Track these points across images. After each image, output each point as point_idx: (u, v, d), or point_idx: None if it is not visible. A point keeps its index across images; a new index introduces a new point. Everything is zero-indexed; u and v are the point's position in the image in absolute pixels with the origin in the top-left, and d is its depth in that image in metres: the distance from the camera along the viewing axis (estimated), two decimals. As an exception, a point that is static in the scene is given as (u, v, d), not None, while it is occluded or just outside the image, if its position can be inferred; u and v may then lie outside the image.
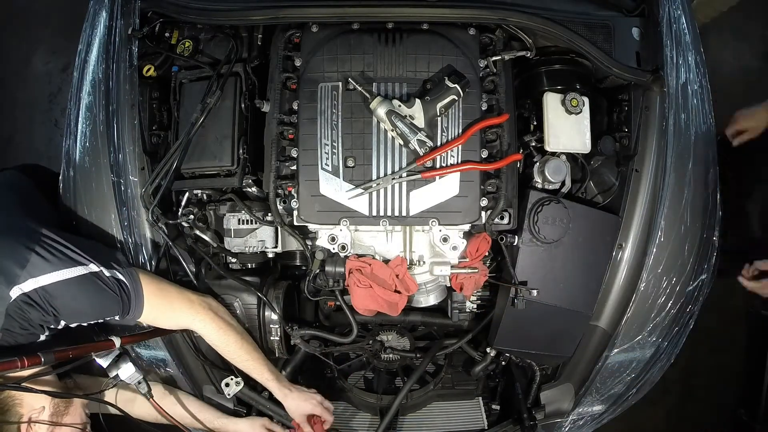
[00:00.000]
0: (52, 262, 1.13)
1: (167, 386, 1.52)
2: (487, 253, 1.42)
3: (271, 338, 1.52)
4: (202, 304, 1.38)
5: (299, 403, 1.47)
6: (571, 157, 1.45)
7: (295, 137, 1.37)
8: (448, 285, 1.53)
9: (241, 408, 1.55)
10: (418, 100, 1.29)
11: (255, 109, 1.43)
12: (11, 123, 2.90)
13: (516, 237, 1.37)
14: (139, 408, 1.44)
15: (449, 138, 1.33)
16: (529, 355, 1.49)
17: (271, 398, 1.54)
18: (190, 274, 1.45)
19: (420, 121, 1.29)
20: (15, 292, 1.09)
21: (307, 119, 1.35)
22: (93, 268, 1.18)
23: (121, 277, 1.23)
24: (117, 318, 1.24)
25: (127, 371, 1.33)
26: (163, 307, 1.32)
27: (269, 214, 1.42)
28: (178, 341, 1.48)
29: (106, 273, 1.20)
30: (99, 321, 1.24)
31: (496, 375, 1.74)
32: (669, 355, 1.56)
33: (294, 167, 1.36)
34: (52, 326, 1.17)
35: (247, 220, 1.46)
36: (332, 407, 1.53)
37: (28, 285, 1.09)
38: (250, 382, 1.52)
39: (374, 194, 1.33)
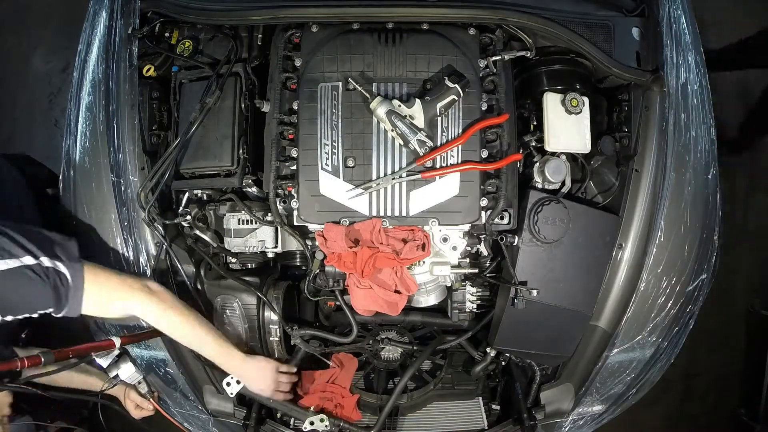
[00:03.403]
0: None
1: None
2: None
3: (271, 338, 1.51)
4: (143, 289, 1.27)
5: (261, 373, 1.44)
6: (571, 157, 1.45)
7: (295, 137, 1.37)
8: (449, 285, 1.53)
9: (242, 408, 1.54)
10: (418, 100, 1.29)
11: (255, 109, 1.43)
12: (11, 123, 2.89)
13: (516, 237, 1.37)
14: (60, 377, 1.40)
15: (449, 138, 1.33)
16: (529, 355, 1.49)
17: None
18: (184, 275, 1.45)
19: (420, 121, 1.29)
20: None
21: (307, 119, 1.35)
22: (27, 260, 1.11)
23: (62, 268, 1.15)
24: (52, 311, 1.16)
25: (127, 371, 1.33)
26: (104, 299, 1.22)
27: (269, 214, 1.42)
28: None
29: (46, 264, 1.13)
30: (34, 314, 1.16)
31: (496, 375, 1.73)
32: (669, 355, 1.56)
33: (294, 167, 1.36)
34: None
35: (247, 220, 1.46)
36: (293, 369, 1.55)
37: None
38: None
39: (374, 194, 1.33)
